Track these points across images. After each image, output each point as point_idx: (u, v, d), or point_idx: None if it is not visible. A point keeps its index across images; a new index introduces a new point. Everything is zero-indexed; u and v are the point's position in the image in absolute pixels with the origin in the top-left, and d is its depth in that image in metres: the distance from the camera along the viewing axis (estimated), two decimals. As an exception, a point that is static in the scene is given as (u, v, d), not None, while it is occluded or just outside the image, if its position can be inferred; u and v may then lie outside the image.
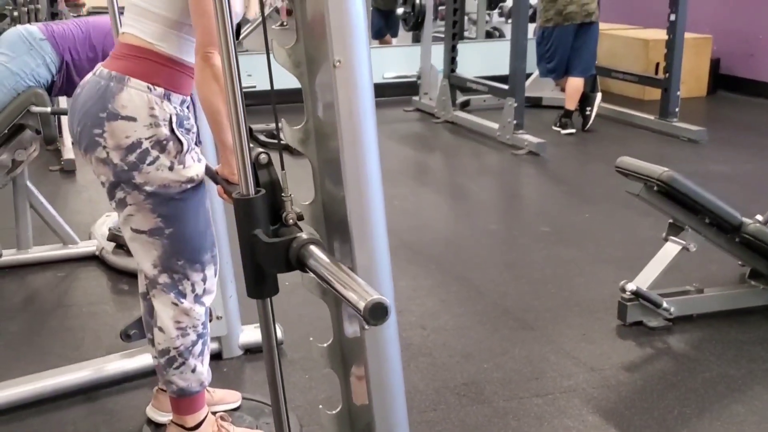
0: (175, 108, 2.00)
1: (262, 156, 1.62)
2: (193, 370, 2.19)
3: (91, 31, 3.45)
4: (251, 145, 1.59)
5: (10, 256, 3.73)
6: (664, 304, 3.20)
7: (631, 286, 3.19)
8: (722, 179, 5.27)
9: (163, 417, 2.35)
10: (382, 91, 7.59)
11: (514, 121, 6.09)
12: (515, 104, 6.08)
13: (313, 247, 1.55)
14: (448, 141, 6.53)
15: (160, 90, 1.98)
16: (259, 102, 4.31)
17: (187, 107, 2.08)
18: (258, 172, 1.63)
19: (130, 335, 2.73)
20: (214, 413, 2.33)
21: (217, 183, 2.14)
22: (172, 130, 1.99)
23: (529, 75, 7.35)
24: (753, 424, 2.60)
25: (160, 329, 2.17)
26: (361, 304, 1.35)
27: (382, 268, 1.74)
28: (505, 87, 6.25)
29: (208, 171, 2.21)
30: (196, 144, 2.11)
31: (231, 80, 1.53)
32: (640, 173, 3.27)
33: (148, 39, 2.00)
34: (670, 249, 3.32)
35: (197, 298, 2.16)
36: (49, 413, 2.62)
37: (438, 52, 7.13)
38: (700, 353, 3.06)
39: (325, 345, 1.87)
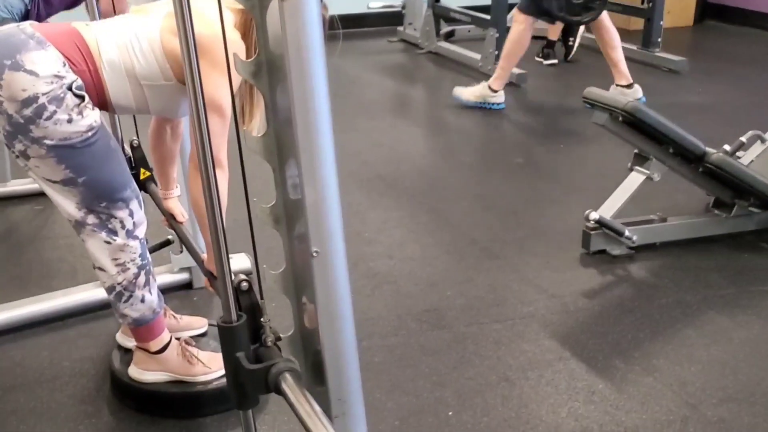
0: (78, 80, 2.00)
1: (244, 284, 1.71)
2: (143, 300, 2.24)
3: None
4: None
5: (-11, 189, 3.80)
6: (627, 233, 3.29)
7: (594, 215, 3.28)
8: (699, 109, 5.32)
9: (131, 342, 2.44)
10: (367, 21, 7.58)
11: (496, 52, 6.07)
12: (497, 35, 6.07)
13: (288, 376, 1.67)
14: (430, 72, 6.54)
15: (71, 71, 1.98)
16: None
17: None
18: (239, 298, 1.70)
19: (103, 265, 2.80)
20: (178, 338, 2.42)
21: (204, 274, 2.27)
22: (69, 88, 1.97)
23: (513, 5, 7.31)
24: (702, 347, 2.71)
25: (101, 269, 2.19)
26: None
27: (330, 197, 1.80)
28: (488, 17, 6.24)
29: (195, 256, 2.33)
30: None
31: (211, 206, 1.63)
32: (606, 104, 3.31)
33: (103, 57, 2.03)
34: (635, 178, 3.40)
35: (129, 233, 2.17)
36: (25, 339, 2.73)
37: (423, -19, 7.10)
38: (659, 280, 3.16)
39: (278, 272, 1.94)
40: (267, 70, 1.84)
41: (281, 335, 1.81)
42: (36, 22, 2.09)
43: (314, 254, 1.84)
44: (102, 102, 2.10)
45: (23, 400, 2.43)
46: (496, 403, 2.43)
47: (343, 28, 8.04)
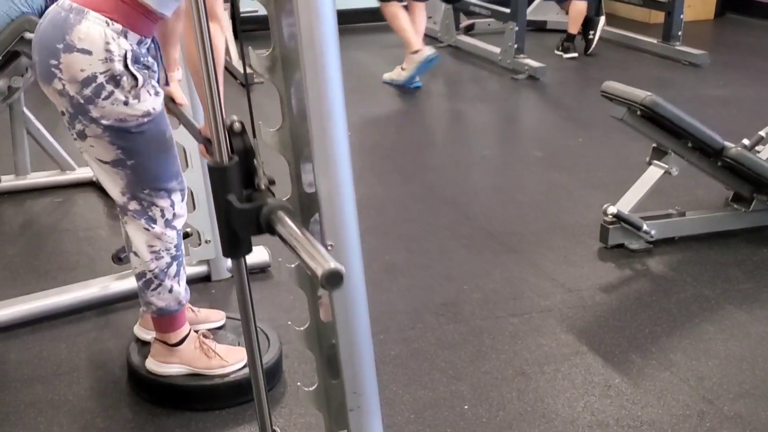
0: (131, 45, 2.04)
1: (236, 125, 1.67)
2: (170, 291, 2.28)
3: None
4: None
5: (9, 182, 3.83)
6: (645, 227, 3.27)
7: (612, 209, 3.26)
8: (720, 103, 5.28)
9: (149, 335, 2.46)
10: (386, 15, 7.55)
11: (515, 45, 6.07)
12: (516, 28, 6.06)
13: (281, 213, 1.63)
14: (449, 66, 6.51)
15: (117, 26, 2.02)
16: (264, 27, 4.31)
17: (147, 48, 2.12)
18: (232, 140, 1.69)
19: (121, 258, 2.81)
20: (196, 331, 2.44)
21: (200, 142, 2.26)
22: (126, 66, 2.02)
23: (533, -1, 7.31)
24: (720, 342, 2.69)
25: (135, 254, 2.25)
26: (319, 272, 1.42)
27: (344, 191, 1.79)
28: (507, 10, 6.22)
29: (192, 129, 2.29)
30: (157, 81, 2.16)
31: (203, 49, 1.57)
32: (624, 98, 3.30)
33: None
34: (653, 173, 3.38)
35: (168, 223, 2.23)
36: (44, 331, 2.74)
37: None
38: (677, 274, 3.14)
39: (294, 265, 1.94)
40: (282, 64, 1.84)
41: (278, 191, 1.69)
42: None
43: (329, 248, 1.84)
44: (153, 17, 2.09)
45: (41, 392, 2.45)
46: (512, 396, 2.43)
47: (363, 21, 8.10)
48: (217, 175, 1.65)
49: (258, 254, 3.05)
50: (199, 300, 2.81)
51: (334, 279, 1.42)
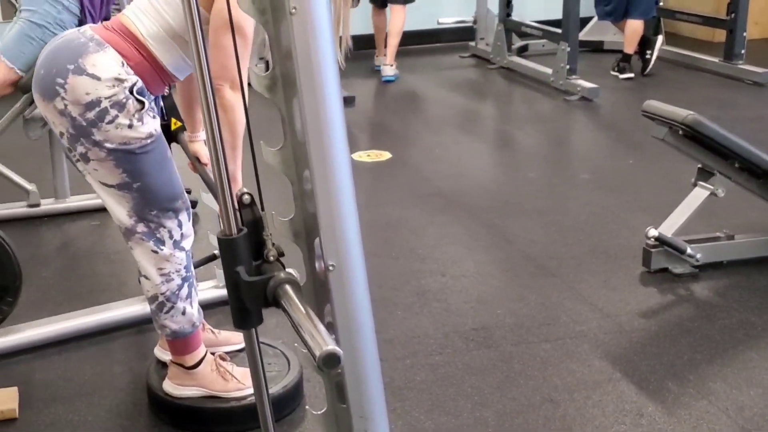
0: (138, 82, 2.05)
1: (246, 197, 1.65)
2: (183, 313, 2.26)
3: None
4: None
5: (48, 205, 3.87)
6: (689, 251, 3.14)
7: (653, 232, 3.14)
8: (783, 124, 5.10)
9: (169, 356, 2.44)
10: (438, 36, 7.55)
11: (567, 66, 5.96)
12: (568, 48, 5.95)
13: (287, 287, 1.62)
14: (500, 87, 6.44)
15: (131, 70, 2.05)
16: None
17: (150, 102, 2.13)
18: (241, 212, 1.68)
19: (149, 280, 2.81)
20: (213, 353, 2.40)
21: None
22: (131, 92, 2.03)
23: (590, 18, 7.19)
24: (764, 370, 2.56)
25: (146, 277, 2.24)
26: (317, 352, 1.40)
27: (346, 211, 1.75)
28: (559, 31, 6.12)
29: (215, 194, 2.27)
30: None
31: (210, 122, 1.56)
32: (665, 117, 3.19)
33: (144, 34, 2.08)
34: (698, 194, 3.26)
35: (176, 244, 2.21)
36: (70, 352, 2.75)
37: (495, -4, 7.01)
38: (722, 300, 3.00)
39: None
40: (282, 84, 1.81)
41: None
42: (94, 24, 2.12)
43: (330, 268, 1.79)
44: (167, 78, 2.14)
45: (62, 412, 2.44)
46: (537, 424, 2.33)
47: (415, 44, 8.12)
48: (226, 247, 1.64)
49: (286, 276, 3.01)
50: (224, 322, 2.79)
51: (331, 361, 1.40)
